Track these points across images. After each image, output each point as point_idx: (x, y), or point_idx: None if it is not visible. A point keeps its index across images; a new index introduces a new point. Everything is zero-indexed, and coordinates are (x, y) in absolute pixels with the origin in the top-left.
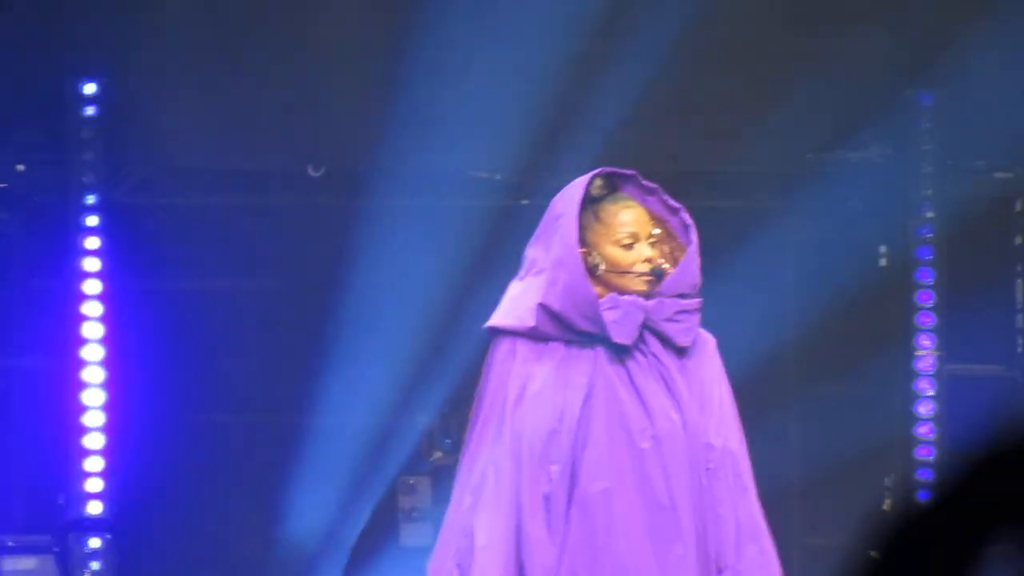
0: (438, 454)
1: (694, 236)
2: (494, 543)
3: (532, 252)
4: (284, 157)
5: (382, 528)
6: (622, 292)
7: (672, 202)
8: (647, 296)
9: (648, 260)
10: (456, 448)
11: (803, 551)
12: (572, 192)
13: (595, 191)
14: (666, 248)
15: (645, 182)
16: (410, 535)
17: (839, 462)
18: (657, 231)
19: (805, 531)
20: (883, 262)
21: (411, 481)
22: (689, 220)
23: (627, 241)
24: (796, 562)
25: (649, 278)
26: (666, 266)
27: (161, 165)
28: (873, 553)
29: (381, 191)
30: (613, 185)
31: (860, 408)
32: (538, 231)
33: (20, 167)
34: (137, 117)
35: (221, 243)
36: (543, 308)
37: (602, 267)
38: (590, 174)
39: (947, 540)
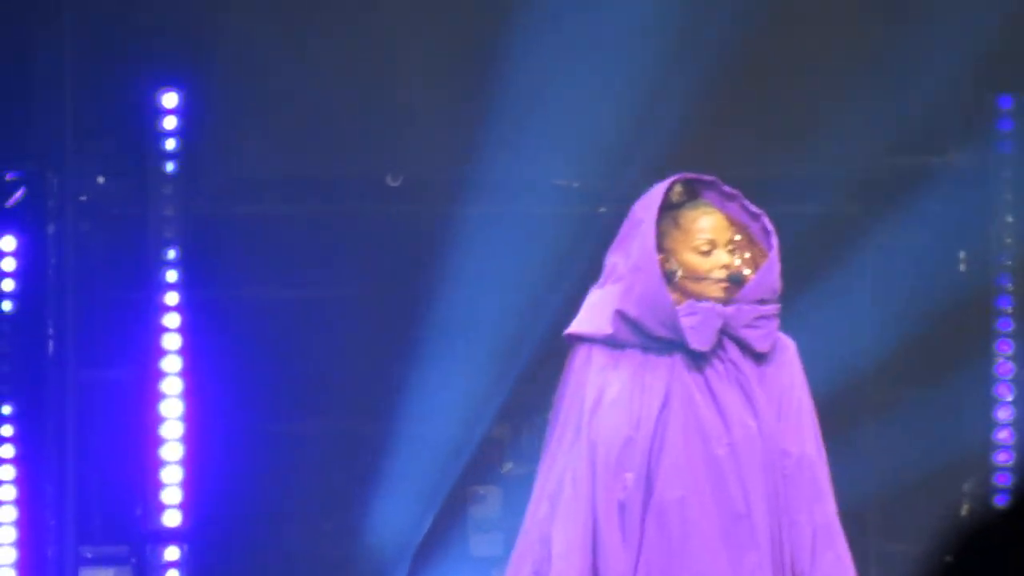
0: (509, 464)
1: (775, 242)
2: (570, 551)
3: (612, 259)
4: (363, 166)
5: (451, 538)
6: (699, 298)
7: (753, 208)
8: (725, 302)
9: (726, 266)
10: (527, 458)
11: (881, 557)
12: (651, 198)
13: (675, 197)
14: (747, 254)
15: (725, 188)
16: (480, 546)
17: (917, 467)
18: (737, 238)
19: (883, 537)
20: (963, 267)
21: (481, 491)
22: (770, 226)
23: (705, 248)
24: (873, 567)
25: (726, 284)
26: (746, 272)
27: (239, 175)
28: (948, 558)
29: (459, 200)
30: (693, 191)
31: (938, 413)
32: (618, 237)
33: (101, 179)
34: (216, 127)
35: (300, 253)
36: (620, 315)
37: (679, 273)
38: (669, 180)
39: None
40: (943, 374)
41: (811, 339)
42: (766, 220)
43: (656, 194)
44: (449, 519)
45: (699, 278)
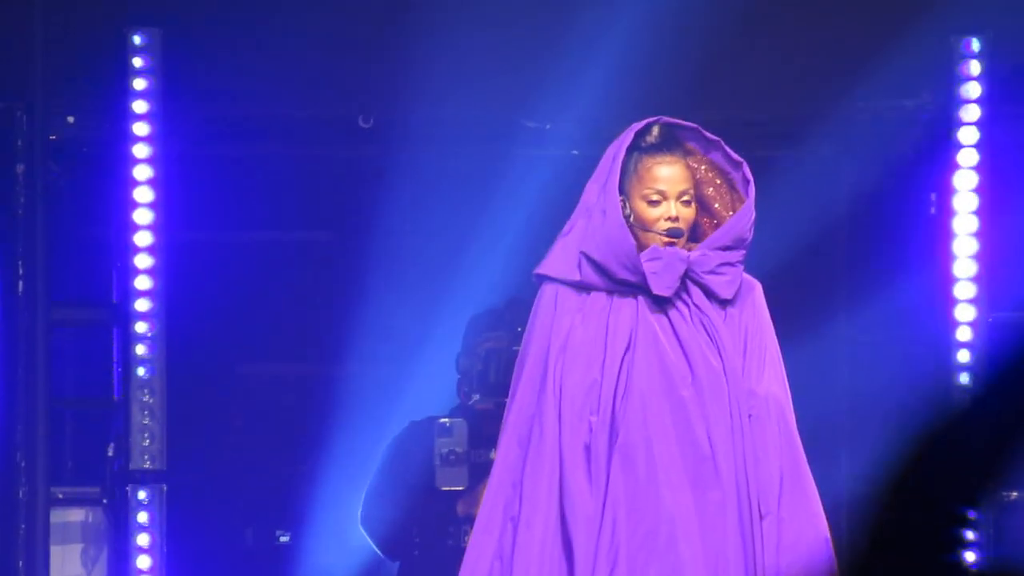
0: (476, 396)
1: (752, 191)
2: (538, 495)
3: (589, 188)
4: (334, 107)
5: (419, 470)
6: (644, 245)
7: (735, 156)
8: (690, 247)
9: (670, 219)
10: (494, 392)
11: (851, 496)
12: (623, 138)
13: (651, 139)
14: (727, 199)
15: (707, 134)
16: (446, 478)
17: (885, 403)
18: (718, 181)
19: (853, 477)
20: (933, 210)
21: (447, 423)
22: (749, 175)
23: (654, 197)
24: (845, 506)
25: (666, 238)
26: (682, 228)
27: (211, 116)
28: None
29: (431, 141)
30: (673, 136)
31: (902, 352)
32: (595, 172)
33: (70, 119)
34: (189, 66)
35: (271, 194)
36: (584, 256)
37: (631, 219)
38: (645, 121)
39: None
40: (909, 314)
41: (783, 280)
42: (746, 169)
43: (628, 134)
44: (415, 453)
45: (644, 227)
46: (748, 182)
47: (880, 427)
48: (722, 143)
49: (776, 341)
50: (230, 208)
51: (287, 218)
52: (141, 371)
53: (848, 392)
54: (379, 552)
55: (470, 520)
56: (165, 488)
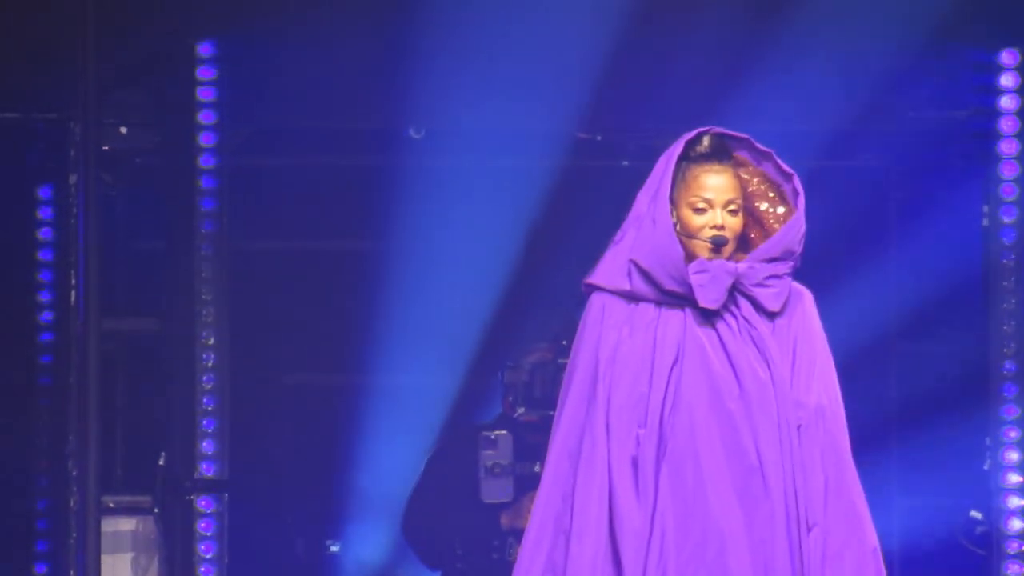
0: (521, 409)
1: (801, 203)
2: (589, 509)
3: (640, 198)
4: (385, 119)
5: (463, 483)
6: (692, 255)
7: (786, 167)
8: (738, 259)
9: (715, 227)
10: (538, 404)
11: (902, 510)
12: (674, 148)
13: (701, 148)
14: (779, 213)
15: (759, 146)
16: (491, 491)
17: (936, 422)
18: (771, 195)
19: (903, 490)
20: (985, 222)
21: (492, 436)
22: (799, 187)
23: (700, 205)
24: (896, 520)
25: (710, 246)
26: (727, 236)
27: (264, 127)
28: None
29: (482, 152)
30: (724, 147)
31: (952, 360)
32: (647, 180)
33: (123, 129)
34: (248, 78)
35: (325, 205)
36: (633, 264)
37: (677, 227)
38: (696, 131)
39: None
40: (960, 327)
41: (834, 291)
42: (796, 181)
43: (678, 144)
44: (457, 463)
45: (689, 235)
46: (798, 194)
47: (930, 436)
48: (774, 154)
49: (828, 349)
50: (277, 218)
51: (334, 228)
52: (205, 380)
53: (897, 402)
54: (421, 563)
55: (514, 533)
56: (227, 497)
